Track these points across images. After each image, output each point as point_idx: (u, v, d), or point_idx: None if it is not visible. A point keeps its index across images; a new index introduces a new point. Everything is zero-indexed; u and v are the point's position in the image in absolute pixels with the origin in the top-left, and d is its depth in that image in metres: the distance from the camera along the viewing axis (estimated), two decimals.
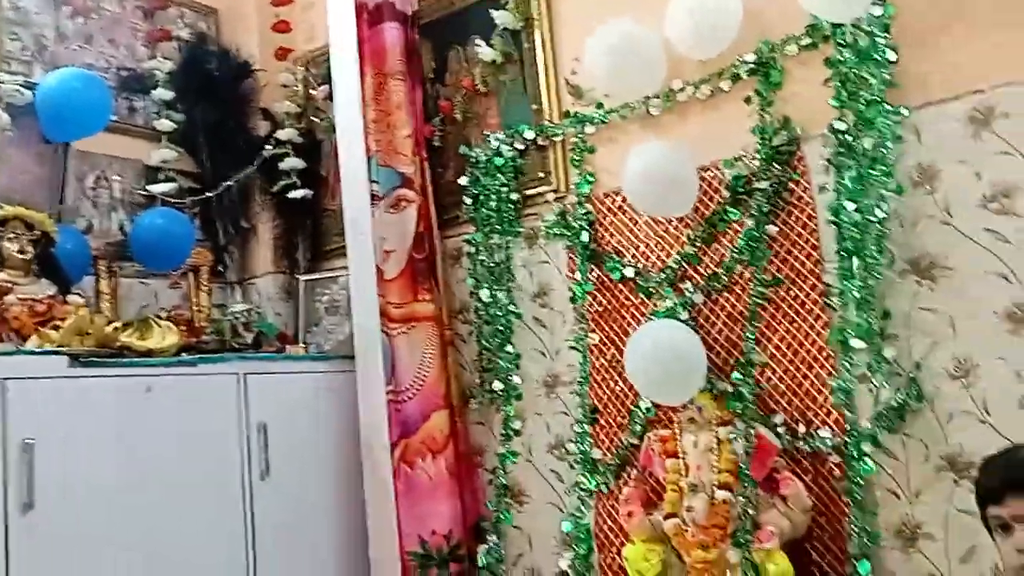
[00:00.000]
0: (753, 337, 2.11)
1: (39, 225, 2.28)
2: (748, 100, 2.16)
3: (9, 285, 2.14)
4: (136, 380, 2.09)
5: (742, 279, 2.17)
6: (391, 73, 2.65)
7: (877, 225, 1.92)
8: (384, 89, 2.65)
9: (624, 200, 2.33)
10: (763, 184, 2.12)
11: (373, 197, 2.57)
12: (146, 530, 1.98)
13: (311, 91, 2.98)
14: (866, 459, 1.91)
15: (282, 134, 2.93)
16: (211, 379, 2.25)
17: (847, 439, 1.95)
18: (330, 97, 2.80)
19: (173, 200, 2.78)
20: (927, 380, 1.90)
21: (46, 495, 1.81)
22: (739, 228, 2.17)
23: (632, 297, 2.35)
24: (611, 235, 2.42)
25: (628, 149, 2.21)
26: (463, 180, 2.62)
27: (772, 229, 2.12)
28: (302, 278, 2.93)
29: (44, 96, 2.42)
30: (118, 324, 2.18)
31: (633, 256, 2.37)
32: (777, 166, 2.11)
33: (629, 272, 2.34)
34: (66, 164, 2.55)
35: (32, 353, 1.94)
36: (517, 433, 2.51)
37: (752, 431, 2.00)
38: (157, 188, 2.76)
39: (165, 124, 2.80)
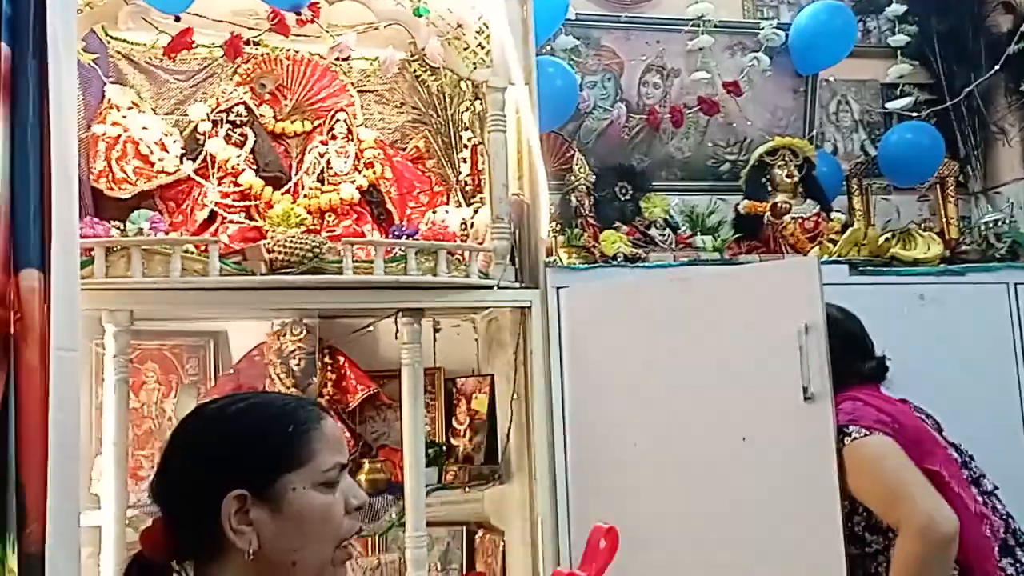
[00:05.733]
0: None
1: (801, 151, 2.55)
2: None
3: (787, 206, 2.45)
4: (907, 288, 2.19)
5: None
6: None
7: None
8: None
9: None
10: None
11: None
12: None
13: None
14: None
15: None
16: (977, 288, 2.23)
17: None
18: None
19: (908, 114, 2.79)
20: None
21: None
22: None
23: None
24: None
25: None
26: None
27: None
28: None
29: (797, 32, 2.68)
30: (888, 235, 2.31)
31: None
32: None
33: None
34: (815, 93, 2.78)
35: (823, 262, 2.20)
36: None
37: None
38: (894, 104, 2.81)
39: (899, 39, 2.81)
